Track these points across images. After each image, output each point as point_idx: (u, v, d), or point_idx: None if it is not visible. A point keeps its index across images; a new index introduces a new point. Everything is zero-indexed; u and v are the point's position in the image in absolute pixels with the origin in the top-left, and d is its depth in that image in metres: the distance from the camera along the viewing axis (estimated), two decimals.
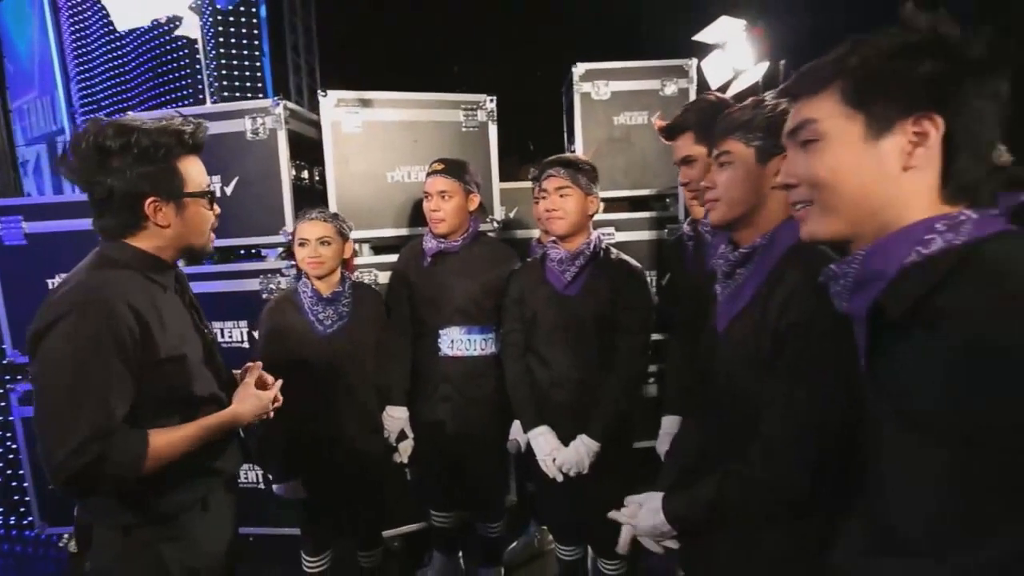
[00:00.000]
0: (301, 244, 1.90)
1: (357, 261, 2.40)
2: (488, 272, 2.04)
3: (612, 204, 2.90)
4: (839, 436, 0.94)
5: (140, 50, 5.87)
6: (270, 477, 1.97)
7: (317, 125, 2.78)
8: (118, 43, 6.14)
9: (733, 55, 3.43)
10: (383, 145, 2.42)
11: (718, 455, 1.19)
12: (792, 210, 0.80)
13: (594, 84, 2.96)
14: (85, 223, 2.40)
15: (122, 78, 6.43)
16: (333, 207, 2.35)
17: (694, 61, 3.03)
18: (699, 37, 3.46)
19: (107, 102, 6.70)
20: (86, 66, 6.89)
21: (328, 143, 2.34)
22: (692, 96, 3.00)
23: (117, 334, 1.10)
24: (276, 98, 2.38)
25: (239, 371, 1.49)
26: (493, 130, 2.56)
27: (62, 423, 1.07)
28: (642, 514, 1.21)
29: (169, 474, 1.22)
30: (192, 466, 1.27)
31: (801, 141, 0.75)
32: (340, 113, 2.35)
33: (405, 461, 2.12)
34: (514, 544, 2.54)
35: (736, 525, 1.13)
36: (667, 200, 3.09)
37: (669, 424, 1.80)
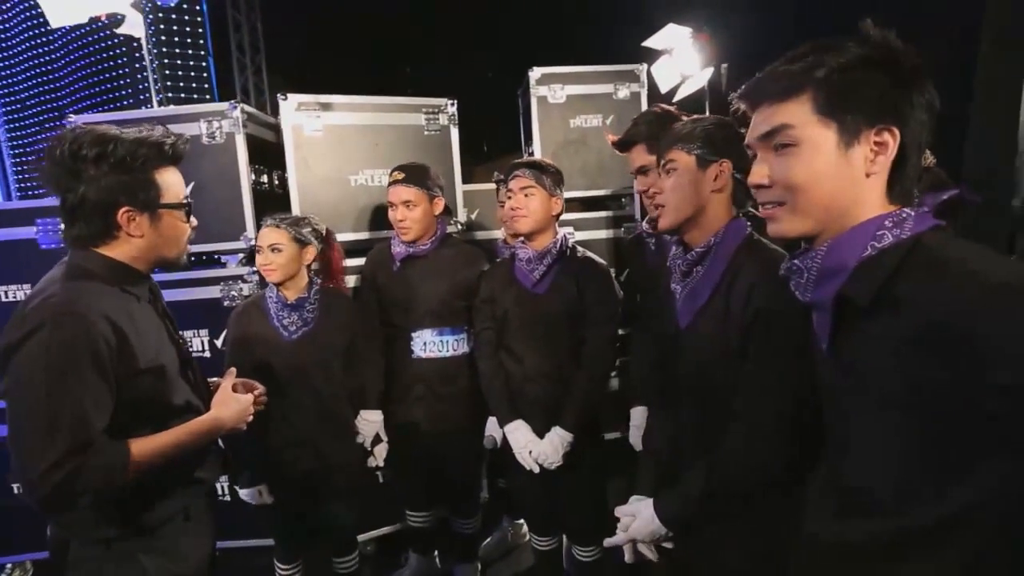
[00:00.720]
0: (257, 251, 1.91)
1: None
2: (458, 273, 2.07)
3: (568, 204, 2.98)
4: (808, 410, 1.02)
5: (70, 47, 5.53)
6: (236, 485, 1.94)
7: (274, 128, 2.75)
8: (45, 42, 5.77)
9: (680, 60, 3.59)
10: (345, 149, 2.41)
11: (693, 446, 1.26)
12: (763, 209, 0.86)
13: (550, 88, 3.05)
14: (21, 231, 2.32)
15: (51, 77, 6.04)
16: (296, 211, 2.33)
17: (645, 66, 3.16)
18: (648, 43, 3.60)
19: (33, 101, 6.29)
20: (6, 64, 6.43)
21: (289, 147, 2.31)
22: (644, 100, 3.13)
23: (94, 346, 1.08)
24: (233, 102, 2.34)
25: (214, 380, 1.47)
26: (455, 133, 2.60)
27: (39, 437, 1.04)
28: (637, 525, 1.26)
29: (151, 485, 1.21)
30: (174, 476, 1.26)
31: (775, 145, 0.81)
32: (301, 117, 2.33)
33: (380, 464, 2.13)
34: (488, 540, 2.58)
35: (728, 511, 1.19)
36: (623, 200, 3.20)
37: (638, 415, 1.89)
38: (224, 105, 2.32)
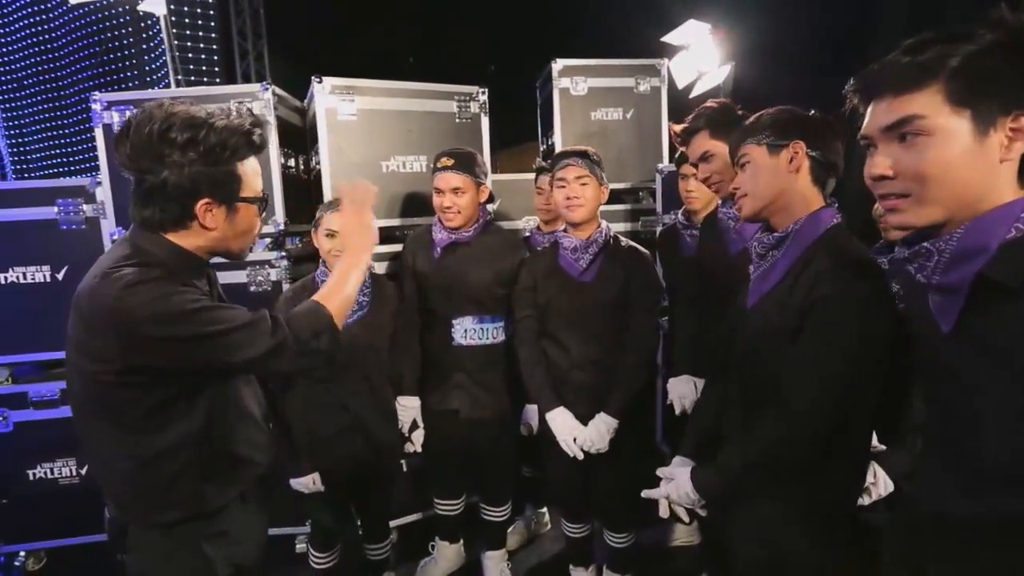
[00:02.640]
0: (329, 235, 1.88)
1: None
2: (501, 261, 2.07)
3: None
4: (862, 395, 1.05)
5: (72, 25, 5.33)
6: (288, 473, 1.91)
7: (300, 112, 2.71)
8: (45, 19, 5.56)
9: (698, 57, 3.63)
10: (378, 134, 2.39)
11: (737, 423, 1.31)
12: (882, 201, 0.85)
13: (572, 80, 3.05)
14: (41, 212, 2.25)
15: (51, 56, 5.82)
16: (327, 196, 2.30)
17: (666, 61, 3.18)
18: (667, 39, 3.63)
19: (30, 80, 6.08)
20: (4, 41, 6.19)
21: (323, 130, 2.28)
22: (664, 94, 3.15)
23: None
24: (264, 83, 2.30)
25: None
26: (485, 122, 2.58)
27: (245, 329, 1.09)
28: (672, 486, 1.32)
29: (212, 467, 1.20)
30: (232, 458, 1.24)
31: (901, 135, 0.81)
32: (335, 100, 2.29)
33: (419, 450, 2.13)
34: (511, 528, 2.59)
35: (759, 487, 1.24)
36: (640, 193, 3.23)
37: (678, 385, 1.93)
38: (256, 87, 2.29)
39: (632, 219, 3.12)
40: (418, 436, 2.11)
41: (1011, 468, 0.77)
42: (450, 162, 2.00)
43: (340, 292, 1.24)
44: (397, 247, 2.36)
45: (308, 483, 1.90)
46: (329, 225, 1.88)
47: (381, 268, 2.34)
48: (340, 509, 2.04)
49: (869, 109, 0.86)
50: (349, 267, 1.28)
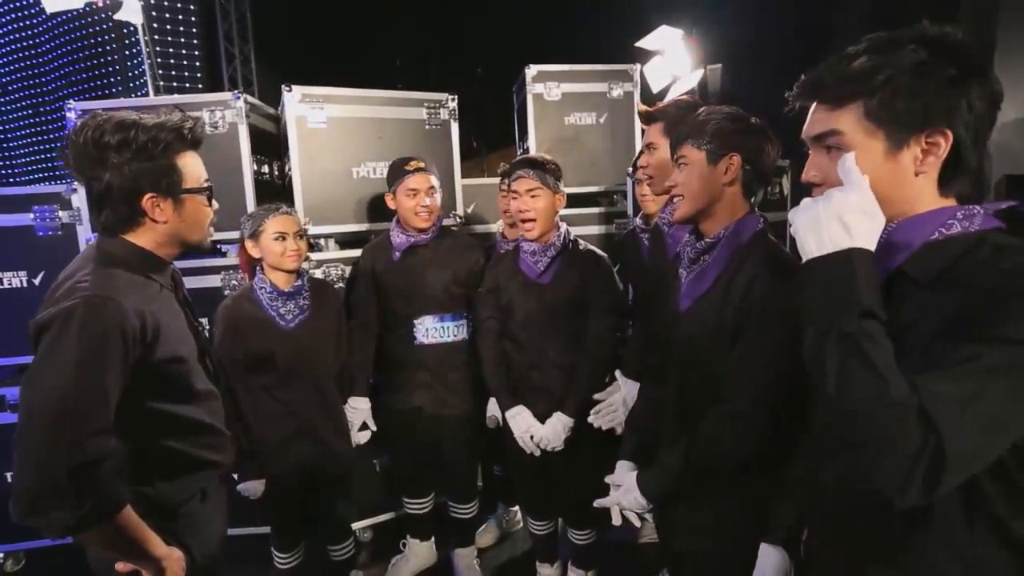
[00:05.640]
0: (279, 238, 1.89)
1: (323, 256, 2.42)
2: (458, 262, 2.14)
3: None
4: (798, 392, 1.10)
5: (56, 32, 5.37)
6: (234, 476, 1.94)
7: (275, 119, 2.76)
8: (29, 25, 5.61)
9: (671, 62, 3.68)
10: (348, 141, 2.44)
11: (676, 424, 1.36)
12: None
13: (546, 85, 3.11)
14: (17, 218, 2.29)
15: (36, 62, 5.87)
16: (299, 202, 2.35)
17: (638, 67, 3.24)
18: (640, 44, 3.68)
19: (15, 86, 6.13)
20: None
21: (293, 138, 2.33)
22: (637, 99, 3.21)
23: (124, 336, 1.09)
24: (236, 92, 2.35)
25: None
26: (455, 128, 2.64)
27: (63, 415, 1.02)
28: (621, 494, 1.38)
29: (173, 464, 1.24)
30: (189, 456, 1.28)
31: (826, 146, 0.86)
32: (304, 108, 2.35)
33: (361, 442, 2.16)
34: (483, 526, 2.64)
35: (708, 489, 1.29)
36: (615, 196, 3.28)
37: (624, 383, 1.95)
38: (228, 95, 2.33)
39: (606, 222, 3.16)
40: (363, 436, 2.14)
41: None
42: (422, 164, 2.09)
43: (139, 537, 1.13)
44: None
45: (253, 489, 1.92)
46: (276, 228, 1.89)
47: (348, 272, 2.39)
48: (295, 512, 2.06)
49: (809, 112, 0.90)
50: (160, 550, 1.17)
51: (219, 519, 1.41)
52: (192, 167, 1.25)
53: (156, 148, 1.17)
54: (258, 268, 1.97)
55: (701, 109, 1.36)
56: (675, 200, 1.34)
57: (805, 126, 0.90)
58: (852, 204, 0.79)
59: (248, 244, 1.94)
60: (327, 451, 2.00)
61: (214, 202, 1.31)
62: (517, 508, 2.75)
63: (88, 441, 1.04)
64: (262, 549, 2.17)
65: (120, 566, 1.17)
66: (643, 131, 2.06)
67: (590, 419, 1.82)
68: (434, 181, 2.09)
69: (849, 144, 0.83)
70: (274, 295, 1.93)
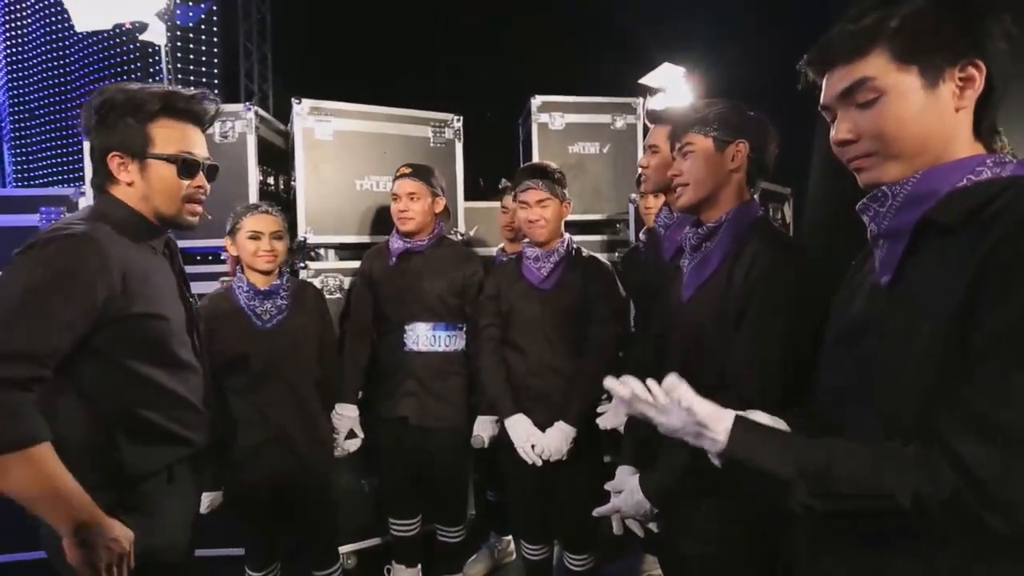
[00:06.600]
0: (253, 237, 1.86)
1: (323, 265, 2.42)
2: (453, 271, 2.12)
3: (565, 228, 3.07)
4: (805, 376, 1.05)
5: (86, 52, 5.63)
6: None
7: (284, 134, 2.83)
8: (61, 47, 5.90)
9: (673, 98, 3.78)
10: (353, 154, 2.49)
11: None
12: (850, 165, 0.87)
13: (551, 115, 3.18)
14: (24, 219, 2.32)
15: (61, 80, 6.15)
16: (302, 211, 2.38)
17: (641, 100, 3.32)
18: (644, 80, 3.80)
19: (37, 103, 6.38)
20: (18, 67, 6.56)
21: (300, 148, 2.38)
22: (640, 131, 3.27)
23: (96, 276, 1.09)
24: (248, 103, 2.42)
25: None
26: (459, 148, 2.69)
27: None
28: (622, 498, 1.29)
29: (135, 432, 1.19)
30: (158, 428, 1.22)
31: (858, 101, 0.83)
32: (312, 121, 2.40)
33: (349, 450, 2.09)
34: (475, 556, 2.51)
35: (710, 481, 1.22)
36: (617, 225, 3.30)
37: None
38: (239, 106, 2.40)
39: (609, 249, 3.17)
40: (351, 444, 2.07)
41: (922, 419, 0.74)
42: (408, 170, 2.11)
43: (59, 487, 1.06)
44: None
45: (206, 502, 1.82)
46: (252, 227, 1.86)
47: (346, 282, 2.38)
48: (267, 525, 1.96)
49: (824, 81, 0.88)
50: (79, 502, 1.08)
51: (186, 507, 1.34)
52: (166, 134, 1.22)
53: (128, 110, 1.20)
54: (239, 266, 1.95)
55: (703, 101, 1.38)
56: (678, 190, 1.33)
57: (824, 92, 0.88)
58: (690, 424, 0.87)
59: (227, 241, 1.92)
60: (301, 461, 1.89)
61: (196, 178, 1.27)
62: (510, 538, 2.63)
63: (13, 359, 1.01)
64: (235, 571, 2.05)
65: (69, 554, 1.09)
66: (637, 178, 2.10)
67: (598, 420, 1.74)
68: (414, 187, 2.08)
69: (883, 87, 0.80)
70: (251, 294, 1.88)
